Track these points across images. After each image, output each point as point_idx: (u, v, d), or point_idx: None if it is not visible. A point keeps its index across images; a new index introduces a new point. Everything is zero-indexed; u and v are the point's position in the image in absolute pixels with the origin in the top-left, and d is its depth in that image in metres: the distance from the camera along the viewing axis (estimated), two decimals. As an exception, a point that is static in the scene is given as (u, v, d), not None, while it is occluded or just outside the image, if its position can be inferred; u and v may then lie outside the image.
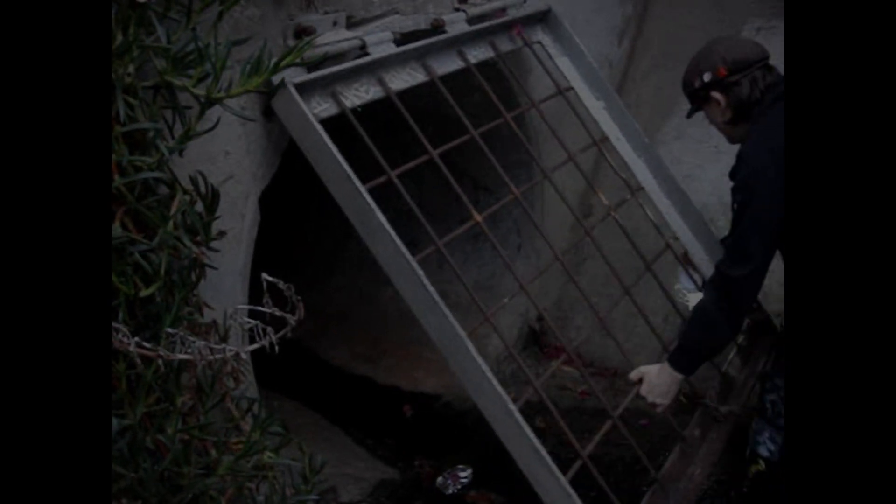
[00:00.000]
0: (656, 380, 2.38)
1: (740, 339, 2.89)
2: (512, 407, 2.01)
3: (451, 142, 2.45)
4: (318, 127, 2.00)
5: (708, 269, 2.83)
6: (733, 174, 2.29)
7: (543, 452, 2.00)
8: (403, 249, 2.01)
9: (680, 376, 2.35)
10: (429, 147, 2.31)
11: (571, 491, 2.01)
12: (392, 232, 2.01)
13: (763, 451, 2.53)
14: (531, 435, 2.01)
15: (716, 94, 2.30)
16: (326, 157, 2.02)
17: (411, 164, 2.27)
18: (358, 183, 2.01)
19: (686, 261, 2.82)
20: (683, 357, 2.35)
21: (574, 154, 2.76)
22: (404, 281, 2.05)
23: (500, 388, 2.01)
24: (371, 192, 2.06)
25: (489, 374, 2.00)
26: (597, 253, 3.42)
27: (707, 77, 2.29)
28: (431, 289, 2.01)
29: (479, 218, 2.33)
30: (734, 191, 2.26)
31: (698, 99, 2.38)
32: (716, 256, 2.78)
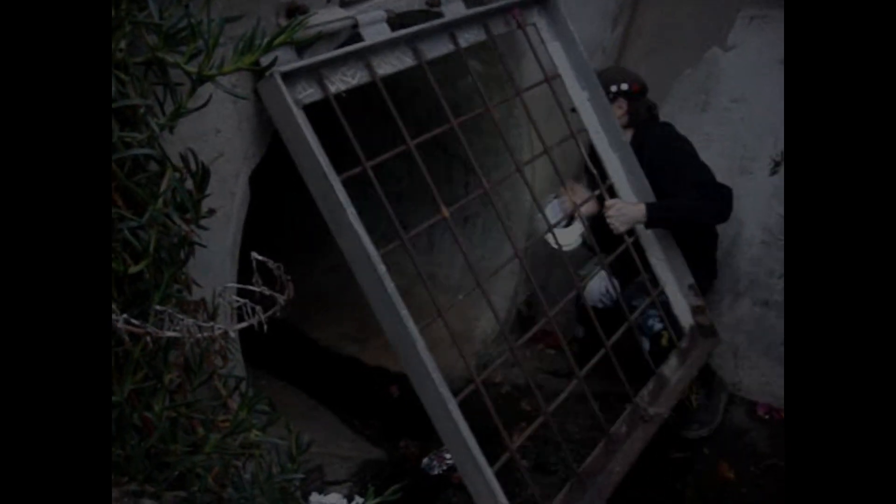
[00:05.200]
0: (626, 209, 2.84)
1: (681, 342, 3.01)
2: (451, 406, 2.11)
3: (441, 123, 2.45)
4: (299, 116, 2.00)
5: (663, 269, 3.03)
6: (648, 162, 2.94)
7: (476, 451, 2.13)
8: (370, 248, 2.05)
9: (643, 218, 2.83)
10: (407, 138, 2.31)
11: (496, 486, 2.15)
12: (361, 230, 2.05)
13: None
14: (465, 432, 2.12)
15: (621, 101, 3.00)
16: (304, 147, 2.02)
17: (387, 156, 2.28)
18: (333, 178, 2.02)
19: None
20: (662, 209, 2.85)
21: (534, 158, 2.77)
22: (367, 279, 2.10)
23: (442, 389, 2.11)
24: (359, 175, 2.07)
25: (434, 374, 2.10)
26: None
27: (624, 86, 3.00)
28: (392, 288, 2.07)
29: (446, 213, 2.37)
30: (658, 166, 2.92)
31: (608, 98, 2.95)
32: (671, 255, 3.03)
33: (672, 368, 2.92)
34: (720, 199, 2.86)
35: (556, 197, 3.05)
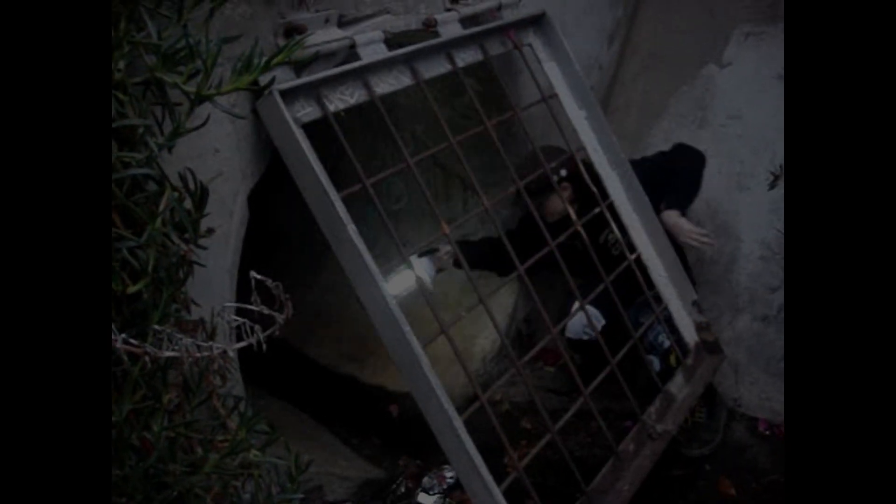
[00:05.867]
0: (686, 224, 2.91)
1: (687, 359, 2.99)
2: (457, 424, 2.10)
3: (439, 141, 2.46)
4: (298, 134, 2.00)
5: (666, 286, 3.02)
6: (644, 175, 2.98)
7: (483, 469, 2.12)
8: (371, 265, 2.05)
9: (679, 214, 2.94)
10: (406, 155, 2.32)
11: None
12: (362, 246, 2.04)
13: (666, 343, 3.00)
14: (472, 450, 2.12)
15: (565, 185, 3.02)
16: (303, 165, 2.03)
17: (387, 174, 2.29)
18: (333, 195, 2.02)
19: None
20: (680, 196, 3.00)
21: (533, 176, 2.79)
22: (369, 296, 2.09)
23: (447, 405, 2.10)
24: (357, 195, 2.07)
25: (438, 391, 2.09)
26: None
27: (563, 172, 3.00)
28: (394, 303, 2.06)
29: (446, 229, 2.37)
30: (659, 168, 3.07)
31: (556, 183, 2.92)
32: (674, 273, 3.02)
33: (679, 386, 2.91)
34: (688, 149, 3.08)
35: (428, 253, 3.06)
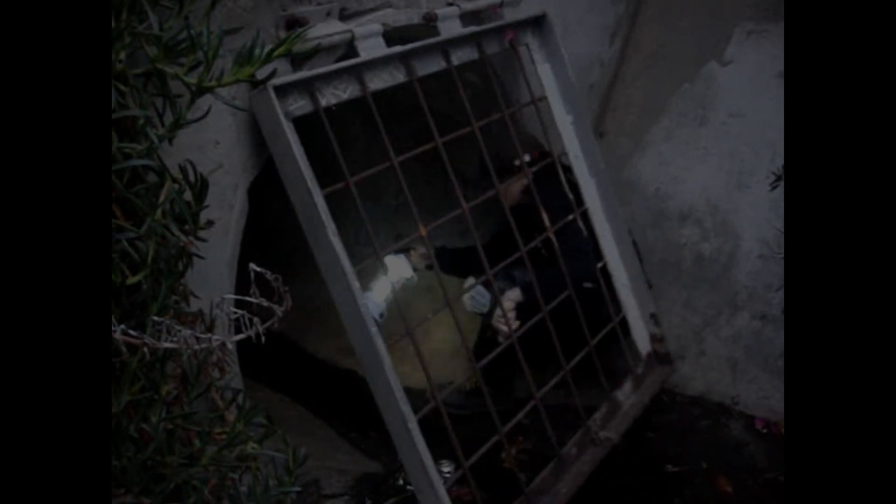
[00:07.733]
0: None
1: (639, 368, 3.06)
2: (411, 426, 2.17)
3: (441, 136, 2.46)
4: (287, 127, 2.01)
5: (627, 295, 3.09)
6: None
7: (431, 470, 2.20)
8: (345, 264, 2.07)
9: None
10: (391, 154, 2.33)
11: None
12: (339, 246, 2.06)
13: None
14: (423, 451, 2.19)
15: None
16: (289, 160, 2.03)
17: (370, 172, 2.30)
18: (316, 192, 2.03)
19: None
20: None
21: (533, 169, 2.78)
22: (340, 295, 2.13)
23: (404, 407, 2.16)
24: (357, 185, 2.07)
25: (397, 394, 2.16)
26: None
27: (527, 158, 2.97)
28: (362, 303, 2.10)
29: (423, 231, 2.42)
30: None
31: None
32: (637, 283, 3.09)
33: (626, 393, 2.97)
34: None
35: (404, 251, 3.18)
